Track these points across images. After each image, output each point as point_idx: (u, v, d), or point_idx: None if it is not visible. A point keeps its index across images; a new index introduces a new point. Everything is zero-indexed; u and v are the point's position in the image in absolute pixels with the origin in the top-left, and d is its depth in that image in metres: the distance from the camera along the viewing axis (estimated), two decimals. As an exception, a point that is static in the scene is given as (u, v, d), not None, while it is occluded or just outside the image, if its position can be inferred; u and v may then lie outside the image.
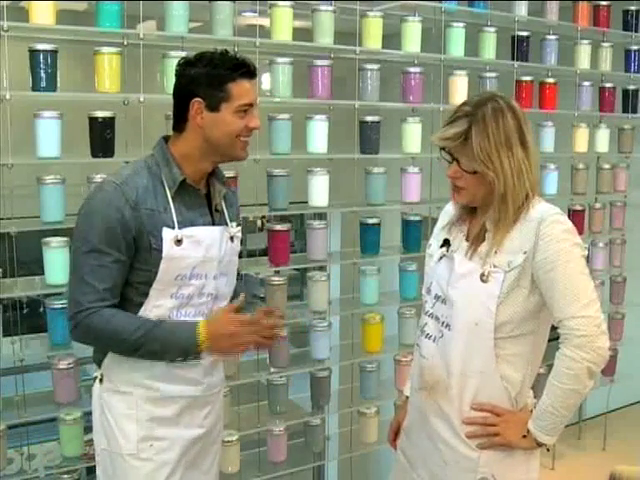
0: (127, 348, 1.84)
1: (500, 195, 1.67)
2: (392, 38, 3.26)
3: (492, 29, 3.40)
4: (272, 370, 3.08)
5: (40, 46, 2.46)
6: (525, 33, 3.52)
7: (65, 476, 2.66)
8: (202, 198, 1.92)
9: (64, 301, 2.42)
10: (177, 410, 1.93)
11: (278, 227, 3.00)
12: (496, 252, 1.69)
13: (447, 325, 1.73)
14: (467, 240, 1.77)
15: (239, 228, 2.02)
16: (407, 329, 3.32)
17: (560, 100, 3.71)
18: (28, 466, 2.67)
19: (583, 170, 3.84)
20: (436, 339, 1.76)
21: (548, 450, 1.76)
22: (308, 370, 3.20)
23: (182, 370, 1.91)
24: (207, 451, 2.04)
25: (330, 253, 3.20)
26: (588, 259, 4.14)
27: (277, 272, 3.06)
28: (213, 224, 1.92)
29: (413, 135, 3.25)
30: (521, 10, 3.51)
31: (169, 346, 1.85)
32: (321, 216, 3.47)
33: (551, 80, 3.66)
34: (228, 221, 1.98)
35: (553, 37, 3.62)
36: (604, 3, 3.77)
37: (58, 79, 2.51)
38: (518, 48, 3.51)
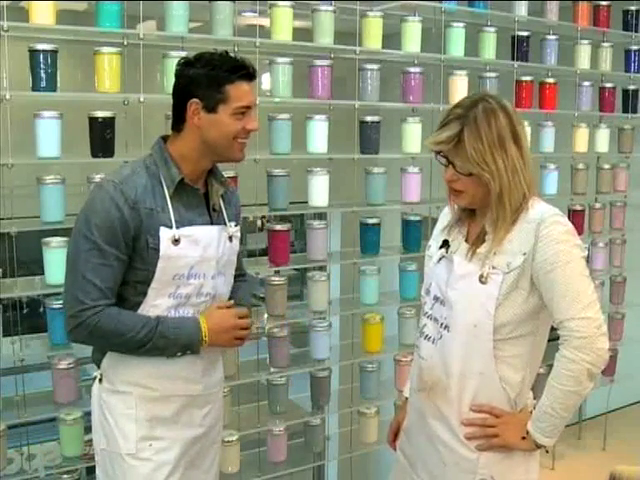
0: (132, 346, 1.84)
1: (496, 195, 1.66)
2: (392, 38, 3.26)
3: (492, 29, 3.40)
4: (272, 370, 3.08)
5: (40, 46, 2.46)
6: (525, 33, 3.52)
7: (65, 476, 2.66)
8: (200, 197, 1.92)
9: (64, 301, 2.42)
10: (176, 409, 1.93)
11: (278, 227, 3.00)
12: (495, 253, 1.68)
13: (446, 327, 1.73)
14: (467, 242, 1.77)
15: (238, 228, 2.02)
16: (407, 329, 3.32)
17: (560, 100, 3.71)
18: (28, 466, 2.67)
19: (583, 170, 3.84)
20: (435, 340, 1.76)
21: (547, 452, 1.75)
22: (308, 370, 3.20)
23: (181, 369, 1.91)
24: (207, 451, 2.03)
25: (330, 253, 3.20)
26: (588, 259, 4.14)
27: (277, 272, 3.06)
28: (211, 223, 1.92)
29: (413, 135, 3.25)
30: (521, 10, 3.51)
31: (173, 342, 1.86)
32: (321, 216, 3.47)
33: (551, 80, 3.66)
34: (227, 220, 1.98)
35: (553, 37, 3.62)
36: (604, 3, 3.77)
37: (58, 79, 2.51)
38: (518, 48, 3.51)
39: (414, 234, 3.31)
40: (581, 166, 3.83)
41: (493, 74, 3.43)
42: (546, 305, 1.67)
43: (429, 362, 1.77)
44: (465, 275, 1.71)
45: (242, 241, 2.12)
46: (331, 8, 2.95)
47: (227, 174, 2.73)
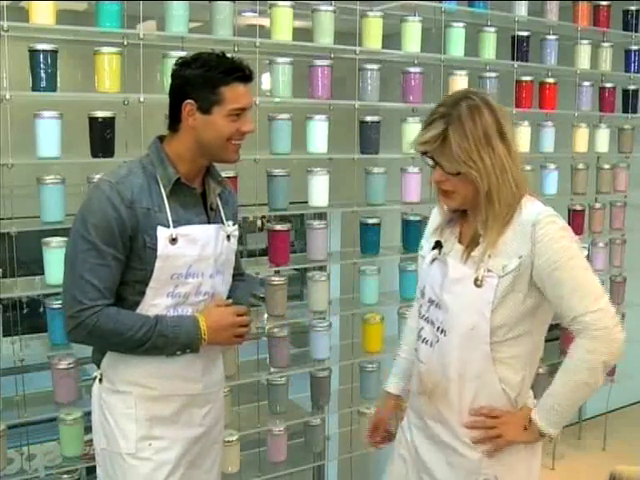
0: (132, 345, 1.84)
1: (485, 194, 1.64)
2: (392, 38, 3.26)
3: (492, 29, 3.40)
4: (272, 370, 3.08)
5: (40, 46, 2.46)
6: (525, 33, 3.52)
7: (65, 476, 2.66)
8: (197, 197, 1.92)
9: (64, 301, 2.42)
10: (176, 409, 1.92)
11: (278, 227, 3.00)
12: (490, 256, 1.66)
13: (442, 330, 1.72)
14: (460, 242, 1.75)
15: (236, 227, 2.02)
16: (407, 329, 3.32)
17: (560, 100, 3.72)
18: (28, 466, 2.67)
19: (583, 170, 3.84)
20: (432, 344, 1.75)
21: (551, 440, 1.72)
22: (308, 370, 3.20)
23: (180, 368, 1.91)
24: (208, 450, 2.03)
25: (330, 253, 3.20)
26: (588, 259, 4.14)
27: (277, 272, 3.06)
28: (209, 222, 1.92)
29: (413, 135, 3.19)
30: (521, 10, 3.51)
31: (172, 341, 1.86)
32: (321, 216, 3.47)
33: (551, 80, 3.66)
34: (224, 219, 1.98)
35: (553, 37, 3.62)
36: (604, 3, 3.77)
37: (58, 79, 2.51)
38: (518, 48, 3.51)
39: (414, 234, 3.31)
40: (581, 166, 3.83)
41: (493, 74, 3.44)
42: (553, 304, 1.66)
43: (428, 365, 1.77)
44: (460, 279, 1.69)
45: (242, 241, 2.12)
46: (331, 8, 2.95)
47: (227, 174, 2.74)
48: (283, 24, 2.87)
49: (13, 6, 2.53)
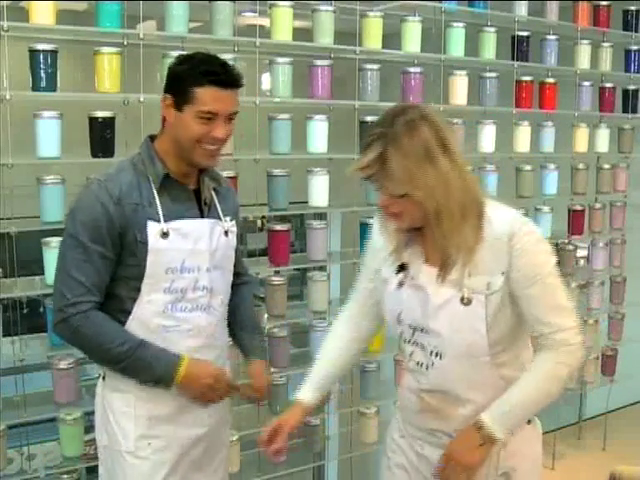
0: (108, 359, 1.86)
1: (433, 212, 1.56)
2: (392, 38, 3.26)
3: (492, 29, 3.40)
4: (272, 370, 3.08)
5: (40, 46, 2.46)
6: (525, 33, 3.52)
7: (65, 476, 2.66)
8: (189, 192, 1.92)
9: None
10: (175, 408, 1.92)
11: (278, 227, 3.00)
12: (470, 275, 1.60)
13: (437, 354, 1.67)
14: (427, 263, 1.67)
15: (233, 223, 2.01)
16: (407, 329, 3.31)
17: (560, 100, 3.71)
18: (28, 466, 2.66)
19: (583, 170, 3.84)
20: (428, 367, 1.69)
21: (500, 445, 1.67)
22: (308, 370, 3.19)
23: None
24: (213, 454, 2.03)
25: (330, 253, 3.20)
26: (588, 259, 4.15)
27: (277, 272, 3.06)
28: (201, 217, 1.93)
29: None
30: (521, 10, 3.51)
31: (147, 369, 1.86)
32: (321, 216, 3.47)
33: (551, 80, 3.66)
34: (221, 215, 1.98)
35: (553, 37, 3.62)
36: (604, 3, 3.77)
37: (58, 79, 2.51)
38: (518, 48, 3.51)
39: (414, 234, 3.31)
40: (581, 166, 3.83)
41: (493, 74, 3.44)
42: (525, 316, 1.62)
43: (428, 387, 1.72)
44: (444, 303, 1.63)
45: (242, 241, 2.12)
46: (331, 8, 2.95)
47: (227, 174, 2.74)
48: (283, 24, 2.87)
49: (13, 6, 2.53)
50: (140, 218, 1.83)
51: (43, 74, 2.47)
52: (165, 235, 1.84)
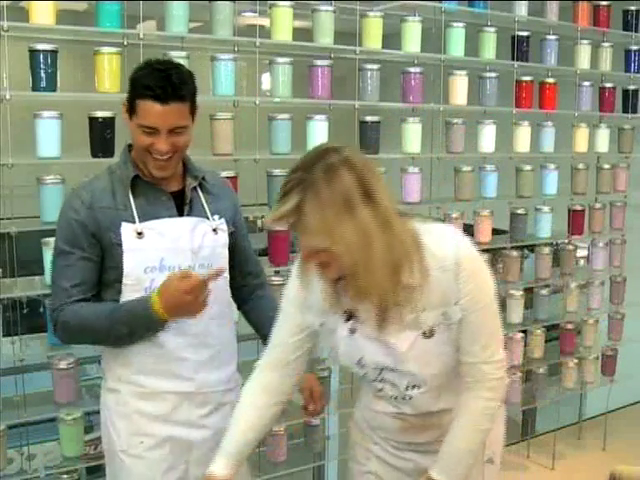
0: (101, 338, 1.91)
1: (350, 269, 1.43)
2: (392, 38, 3.26)
3: (492, 29, 3.40)
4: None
5: (40, 46, 2.46)
6: (525, 33, 3.51)
7: (65, 476, 2.66)
8: (164, 193, 1.93)
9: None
10: (169, 407, 1.92)
11: (278, 227, 2.99)
12: (425, 309, 1.53)
13: (414, 386, 1.63)
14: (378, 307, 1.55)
15: (222, 220, 1.99)
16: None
17: (560, 100, 3.72)
18: (28, 466, 2.66)
19: (583, 170, 3.84)
20: (406, 398, 1.65)
21: None
22: (308, 370, 3.18)
23: (171, 365, 1.91)
24: None
25: (330, 253, 3.19)
26: (588, 259, 4.15)
27: (277, 272, 3.06)
28: (180, 216, 1.93)
29: (413, 135, 3.24)
30: (521, 10, 3.51)
31: (133, 325, 1.86)
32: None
33: (551, 80, 3.66)
34: (208, 214, 1.97)
35: (553, 37, 3.62)
36: (604, 3, 3.77)
37: (58, 79, 2.51)
38: (518, 48, 3.51)
39: (414, 234, 3.31)
40: (581, 166, 3.83)
41: (493, 74, 3.44)
42: (456, 337, 1.57)
43: (411, 412, 1.68)
44: (410, 347, 1.56)
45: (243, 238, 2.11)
46: (331, 8, 2.95)
47: (227, 174, 2.74)
48: (283, 24, 2.86)
49: (13, 6, 2.53)
50: (113, 220, 1.87)
51: (43, 74, 2.47)
52: (140, 235, 1.87)
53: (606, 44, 3.84)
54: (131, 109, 1.82)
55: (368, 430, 1.82)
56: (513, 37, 3.50)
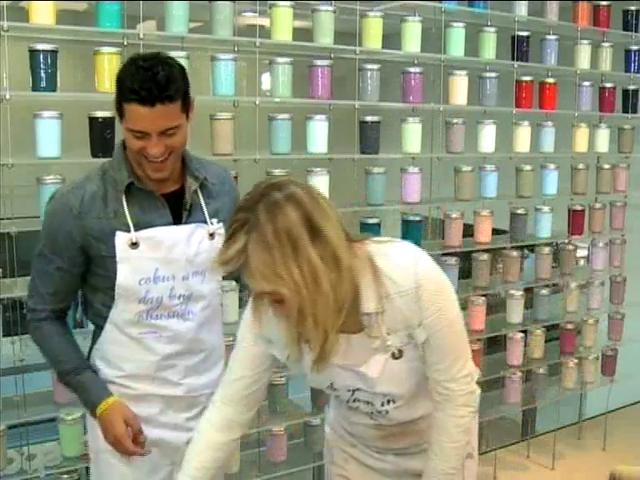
0: (55, 370, 1.94)
1: (297, 311, 1.36)
2: (392, 38, 3.26)
3: (492, 29, 3.40)
4: (272, 370, 3.07)
5: (40, 46, 2.46)
6: (525, 33, 3.52)
7: (65, 476, 2.66)
8: (159, 200, 1.83)
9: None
10: (155, 410, 1.91)
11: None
12: (389, 332, 1.50)
13: (389, 401, 1.61)
14: (343, 332, 1.50)
15: (220, 225, 1.89)
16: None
17: (560, 100, 3.72)
18: (28, 466, 2.66)
19: (583, 170, 3.84)
20: (382, 412, 1.64)
21: None
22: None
23: (160, 372, 1.89)
24: None
25: (330, 253, 3.19)
26: (588, 259, 4.15)
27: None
28: (176, 224, 1.84)
29: (413, 135, 3.24)
30: (521, 10, 3.51)
31: (79, 395, 1.89)
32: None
33: (551, 80, 3.66)
34: (207, 217, 1.88)
35: (553, 37, 3.62)
36: (604, 3, 3.77)
37: (58, 79, 2.51)
38: (518, 48, 3.51)
39: (414, 234, 3.31)
40: (581, 166, 3.83)
41: (493, 74, 3.44)
42: (422, 356, 1.55)
43: (389, 423, 1.67)
44: (381, 372, 1.54)
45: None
46: (331, 8, 2.95)
47: (227, 174, 2.74)
48: (283, 24, 2.86)
49: (13, 6, 2.53)
50: (104, 230, 1.77)
51: (43, 74, 2.47)
52: (135, 245, 1.78)
53: (606, 44, 3.84)
54: (119, 113, 1.72)
55: (346, 435, 1.81)
56: (513, 37, 3.50)
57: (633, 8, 3.88)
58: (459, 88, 3.34)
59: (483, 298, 3.57)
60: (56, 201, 1.82)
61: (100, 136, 2.58)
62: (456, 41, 3.29)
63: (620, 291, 4.11)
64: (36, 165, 2.61)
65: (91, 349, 1.94)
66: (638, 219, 4.11)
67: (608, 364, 4.13)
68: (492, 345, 4.02)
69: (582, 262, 4.35)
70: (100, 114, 2.56)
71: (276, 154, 2.96)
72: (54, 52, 2.48)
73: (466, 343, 1.59)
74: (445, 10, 3.24)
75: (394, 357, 1.53)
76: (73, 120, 2.54)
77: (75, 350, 1.90)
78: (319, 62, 2.97)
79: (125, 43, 2.59)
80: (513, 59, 3.52)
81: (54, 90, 2.51)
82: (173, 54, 2.58)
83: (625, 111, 3.99)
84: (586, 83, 3.79)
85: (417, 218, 3.31)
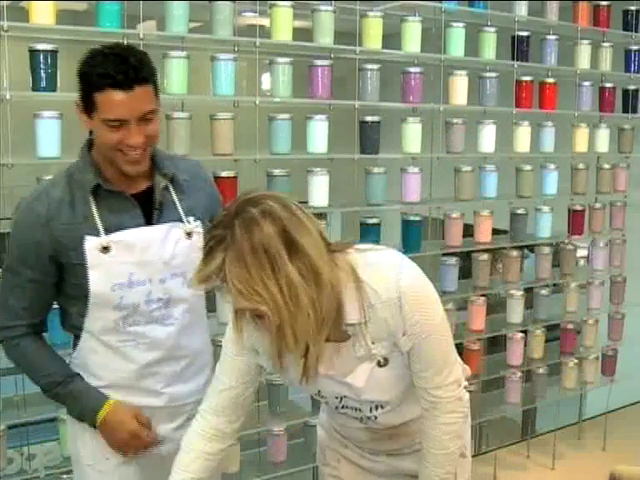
0: (40, 386, 1.82)
1: (276, 327, 1.34)
2: (392, 38, 3.26)
3: (492, 29, 3.40)
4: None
5: (40, 46, 2.46)
6: (525, 33, 3.52)
7: (65, 476, 2.65)
8: (130, 200, 1.75)
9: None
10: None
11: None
12: (374, 342, 1.49)
13: (378, 407, 1.60)
14: (329, 341, 1.49)
15: (198, 223, 1.81)
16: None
17: (560, 100, 3.72)
18: (28, 466, 2.66)
19: (583, 170, 3.84)
20: (371, 418, 1.63)
21: None
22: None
23: (140, 381, 1.82)
24: None
25: (330, 253, 3.19)
26: (588, 259, 4.15)
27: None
28: (150, 224, 1.76)
29: (413, 135, 3.24)
30: (521, 10, 3.51)
31: (72, 405, 1.83)
32: (321, 216, 3.46)
33: (551, 80, 3.66)
34: (182, 216, 1.80)
35: (553, 37, 3.62)
36: (604, 3, 3.77)
37: (58, 79, 2.51)
38: (518, 48, 3.51)
39: (414, 234, 3.31)
40: (581, 166, 3.83)
41: (493, 74, 3.44)
42: (408, 364, 1.54)
43: (378, 427, 1.66)
44: (367, 381, 1.53)
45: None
46: (331, 8, 2.95)
47: (227, 174, 2.74)
48: (283, 24, 2.86)
49: (13, 6, 2.53)
50: (74, 237, 1.69)
51: (43, 74, 2.47)
52: (105, 249, 1.70)
53: (606, 44, 3.84)
54: (89, 107, 1.62)
55: (339, 436, 1.81)
56: (513, 37, 3.50)
57: (633, 8, 3.87)
58: (459, 88, 3.34)
59: (483, 298, 3.57)
60: (21, 211, 1.73)
61: (100, 136, 2.57)
62: (456, 41, 3.29)
63: (620, 291, 4.11)
64: (36, 165, 2.60)
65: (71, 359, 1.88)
66: (638, 219, 4.11)
67: (608, 364, 4.13)
68: (492, 345, 4.02)
69: (582, 262, 4.35)
70: (100, 114, 2.56)
71: (276, 154, 2.96)
72: (54, 52, 2.48)
73: (452, 349, 1.57)
74: (445, 10, 3.24)
75: (380, 365, 1.52)
76: (73, 120, 2.53)
77: (60, 361, 1.83)
78: (319, 62, 2.96)
79: (125, 43, 2.59)
80: (513, 59, 3.52)
81: (54, 90, 2.51)
82: (173, 54, 2.60)
83: (625, 111, 3.99)
84: (586, 83, 3.79)
85: (417, 218, 3.31)
